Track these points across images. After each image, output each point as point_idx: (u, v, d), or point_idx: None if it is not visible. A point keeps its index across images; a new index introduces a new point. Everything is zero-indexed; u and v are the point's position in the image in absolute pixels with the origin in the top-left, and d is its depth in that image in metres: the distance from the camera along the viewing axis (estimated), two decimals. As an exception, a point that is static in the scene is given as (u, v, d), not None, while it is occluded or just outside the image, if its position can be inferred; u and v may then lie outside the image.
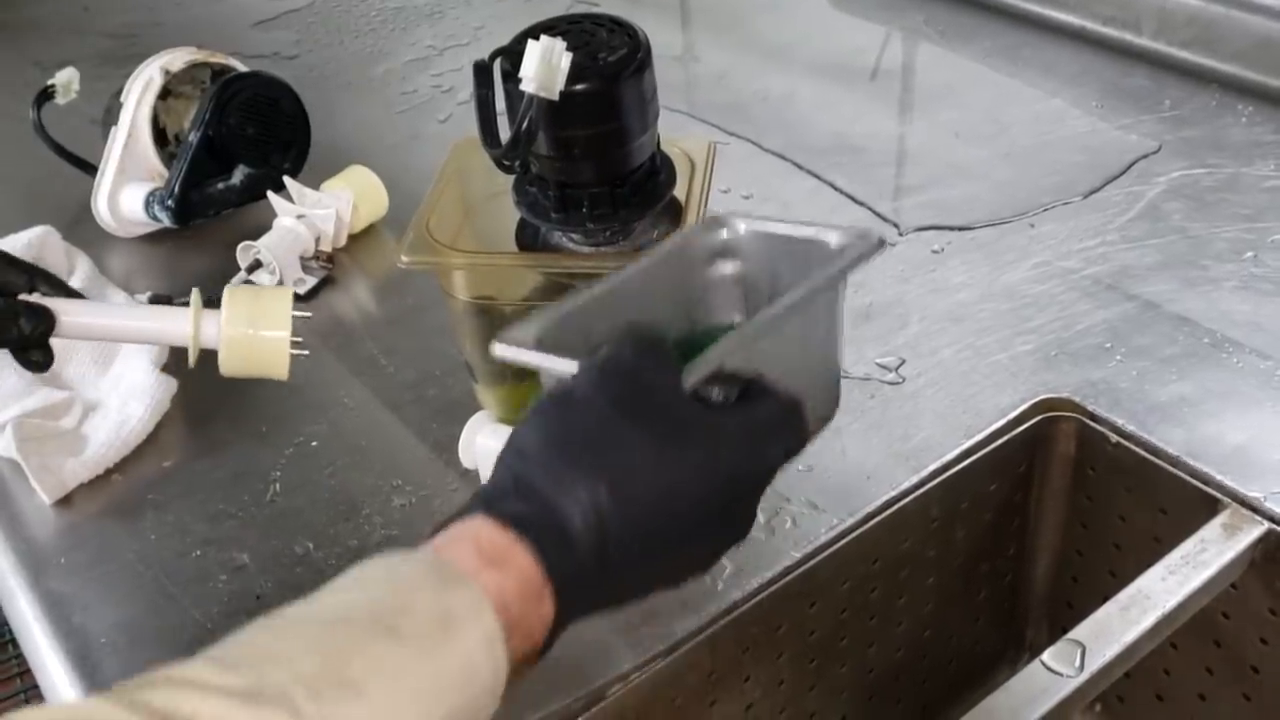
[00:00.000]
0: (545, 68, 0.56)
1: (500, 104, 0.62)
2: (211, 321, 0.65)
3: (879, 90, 1.08)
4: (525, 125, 0.57)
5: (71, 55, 1.21)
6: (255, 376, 0.66)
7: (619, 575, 0.42)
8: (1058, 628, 0.80)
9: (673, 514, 0.42)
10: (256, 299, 0.65)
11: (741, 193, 0.92)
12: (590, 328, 0.51)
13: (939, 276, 0.82)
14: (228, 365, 0.65)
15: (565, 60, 0.57)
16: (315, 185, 0.90)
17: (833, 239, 0.53)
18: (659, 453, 0.42)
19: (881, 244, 0.52)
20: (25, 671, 1.27)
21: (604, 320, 0.51)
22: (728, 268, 0.57)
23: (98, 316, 0.65)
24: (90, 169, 0.93)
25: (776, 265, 0.54)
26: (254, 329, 0.64)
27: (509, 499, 0.42)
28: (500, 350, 0.49)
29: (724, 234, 0.57)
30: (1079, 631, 0.60)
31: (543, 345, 0.49)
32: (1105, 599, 0.75)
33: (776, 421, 0.46)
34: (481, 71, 0.61)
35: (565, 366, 0.46)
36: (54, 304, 0.63)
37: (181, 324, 0.65)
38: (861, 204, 0.90)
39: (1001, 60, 1.09)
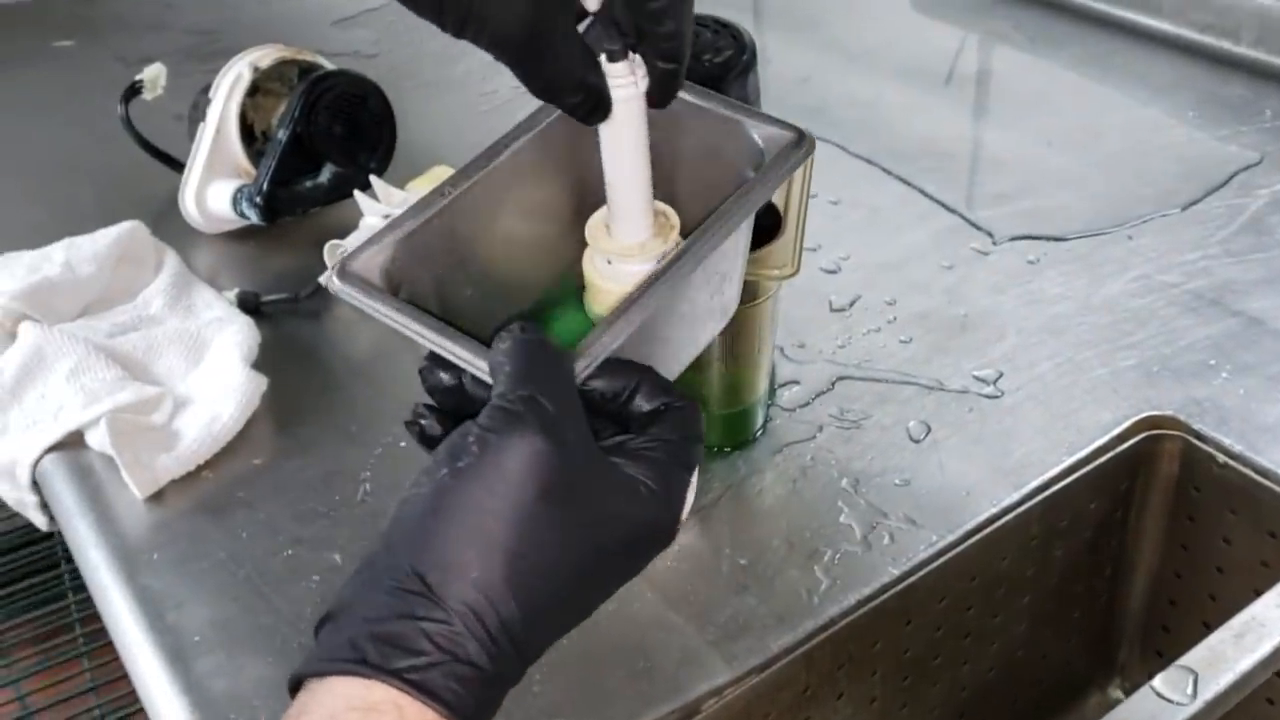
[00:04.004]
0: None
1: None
2: None
3: (967, 96, 1.06)
4: (633, 128, 0.56)
5: (154, 50, 1.21)
6: None
7: (527, 664, 0.40)
8: (1151, 650, 0.78)
9: (589, 593, 0.41)
10: None
11: (829, 198, 0.91)
12: (454, 238, 0.47)
13: (1035, 288, 0.80)
14: None
15: (674, 63, 0.56)
16: (399, 185, 0.90)
17: (756, 132, 0.50)
18: (574, 534, 0.39)
19: (812, 147, 0.49)
20: (91, 651, 1.29)
21: (471, 224, 0.48)
22: None
23: None
24: (176, 165, 0.94)
25: (681, 138, 0.50)
26: None
27: (396, 650, 0.36)
28: (338, 287, 0.45)
29: None
30: (1191, 658, 0.58)
31: (392, 276, 0.45)
32: (1204, 623, 0.73)
33: (681, 450, 0.43)
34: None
35: (464, 354, 0.42)
36: None
37: None
38: (953, 211, 0.89)
39: (1093, 68, 1.07)
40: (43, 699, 1.23)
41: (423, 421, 0.44)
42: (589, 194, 0.51)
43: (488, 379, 0.42)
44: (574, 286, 0.51)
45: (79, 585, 1.32)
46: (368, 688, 0.36)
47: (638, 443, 0.43)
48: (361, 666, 0.36)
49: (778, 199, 0.66)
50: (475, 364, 0.43)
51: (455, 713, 0.37)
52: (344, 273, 0.46)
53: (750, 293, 0.65)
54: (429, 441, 0.44)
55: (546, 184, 0.52)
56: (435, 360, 0.44)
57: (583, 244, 0.50)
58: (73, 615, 1.31)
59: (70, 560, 1.34)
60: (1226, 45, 1.03)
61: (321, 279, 0.83)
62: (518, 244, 0.51)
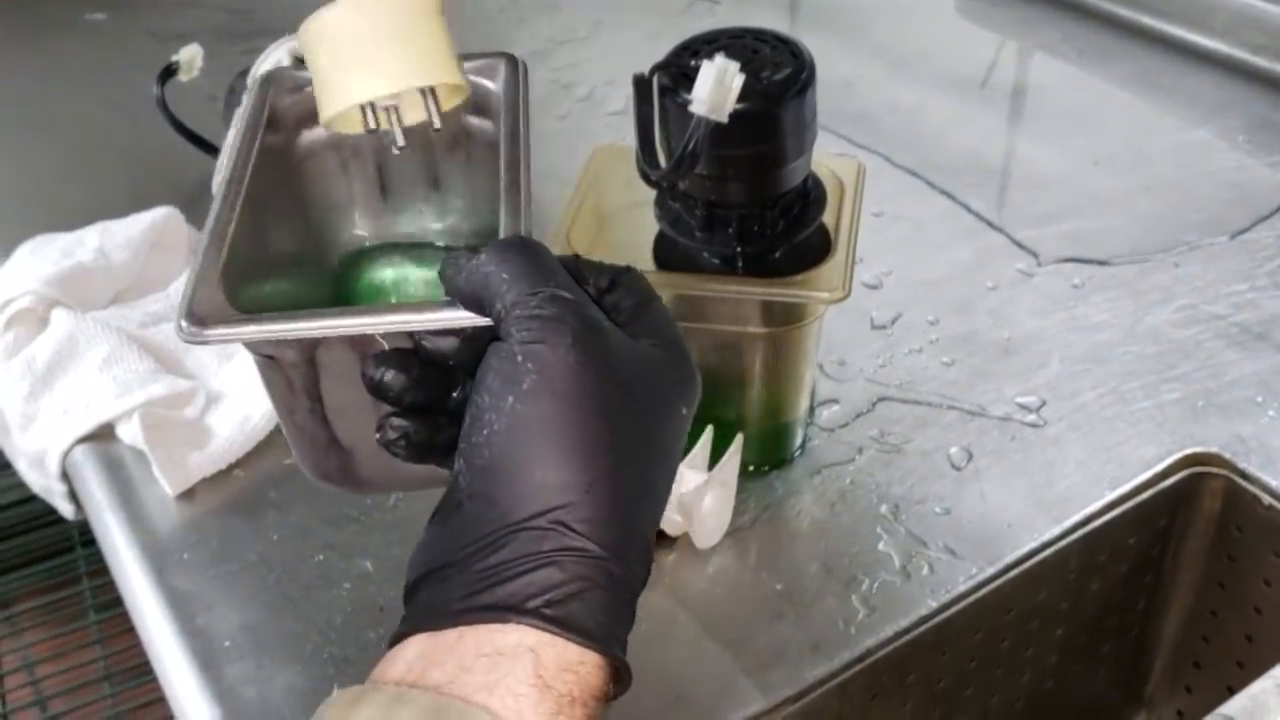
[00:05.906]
0: (718, 90, 0.54)
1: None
2: None
3: (1012, 108, 1.04)
4: (691, 147, 0.55)
5: (187, 27, 1.20)
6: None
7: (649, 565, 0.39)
8: (1180, 685, 0.77)
9: (668, 467, 0.40)
10: None
11: (872, 209, 0.90)
12: (258, 260, 0.44)
13: (1080, 314, 0.79)
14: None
15: (737, 82, 0.54)
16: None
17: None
18: (640, 413, 0.38)
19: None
20: (105, 639, 1.29)
21: (260, 250, 0.45)
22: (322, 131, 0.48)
23: None
24: (210, 149, 0.93)
25: None
26: None
27: (576, 595, 0.35)
28: (195, 333, 0.39)
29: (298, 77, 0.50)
30: (1231, 706, 0.57)
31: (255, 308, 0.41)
32: (1238, 663, 0.72)
33: (656, 301, 0.42)
34: (642, 86, 0.59)
35: (424, 316, 0.39)
36: None
37: None
38: (998, 229, 0.87)
39: (1141, 85, 1.05)
40: (57, 685, 1.23)
41: (408, 431, 0.40)
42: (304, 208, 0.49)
43: (450, 325, 0.40)
44: (330, 270, 0.50)
45: (94, 570, 1.32)
46: (499, 632, 0.34)
47: (619, 316, 0.41)
48: (489, 613, 0.35)
49: (829, 220, 0.65)
50: (437, 318, 0.39)
51: (596, 640, 0.35)
52: (197, 319, 0.39)
53: (797, 314, 0.64)
54: (420, 450, 0.40)
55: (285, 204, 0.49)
56: (382, 362, 0.40)
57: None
58: (87, 601, 1.31)
59: (86, 545, 1.34)
60: (1279, 68, 1.02)
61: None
62: (275, 241, 0.49)
